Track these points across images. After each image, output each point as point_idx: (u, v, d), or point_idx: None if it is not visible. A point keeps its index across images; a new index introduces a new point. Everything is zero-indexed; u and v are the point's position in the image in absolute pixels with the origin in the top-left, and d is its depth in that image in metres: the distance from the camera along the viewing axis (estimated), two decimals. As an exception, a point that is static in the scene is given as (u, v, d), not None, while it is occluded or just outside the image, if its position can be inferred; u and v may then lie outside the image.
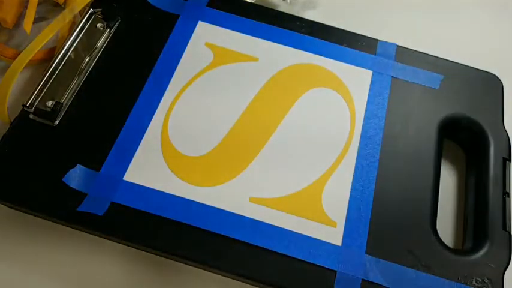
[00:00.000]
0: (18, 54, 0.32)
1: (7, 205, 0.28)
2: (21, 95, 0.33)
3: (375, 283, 0.26)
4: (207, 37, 0.32)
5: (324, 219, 0.27)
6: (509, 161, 0.30)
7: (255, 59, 0.32)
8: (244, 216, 0.27)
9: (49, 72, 0.30)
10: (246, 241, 0.26)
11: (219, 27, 0.33)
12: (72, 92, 0.30)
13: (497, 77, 0.33)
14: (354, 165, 0.29)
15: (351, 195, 0.28)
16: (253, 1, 0.36)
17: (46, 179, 0.27)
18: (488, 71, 0.33)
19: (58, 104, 0.29)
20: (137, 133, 0.29)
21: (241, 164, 0.28)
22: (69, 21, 0.34)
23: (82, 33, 0.32)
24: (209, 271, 0.27)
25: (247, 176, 0.28)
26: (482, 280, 0.26)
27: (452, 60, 0.33)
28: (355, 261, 0.26)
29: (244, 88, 0.31)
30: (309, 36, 0.33)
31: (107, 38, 0.32)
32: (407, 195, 0.28)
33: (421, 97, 0.31)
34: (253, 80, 0.31)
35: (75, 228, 0.28)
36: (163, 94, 0.30)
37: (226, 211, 0.27)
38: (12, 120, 0.29)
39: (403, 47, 0.33)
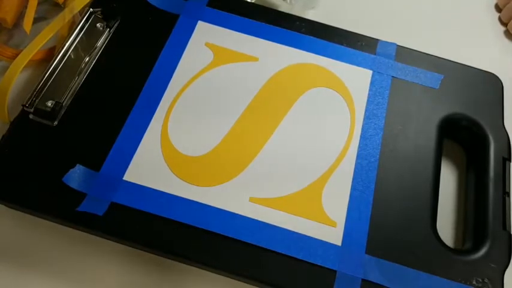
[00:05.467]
0: (18, 54, 0.32)
1: (7, 205, 0.28)
2: (21, 95, 0.33)
3: (375, 283, 0.26)
4: (207, 37, 0.32)
5: (324, 219, 0.27)
6: (509, 160, 0.30)
7: (255, 59, 0.32)
8: (244, 216, 0.27)
9: (49, 72, 0.30)
10: (246, 241, 0.26)
11: (219, 27, 0.33)
12: (72, 92, 0.30)
13: (497, 77, 0.33)
14: (354, 165, 0.29)
15: (351, 195, 0.28)
16: (253, 1, 0.36)
17: (46, 179, 0.27)
18: (488, 70, 0.33)
19: (58, 104, 0.29)
20: (137, 133, 0.29)
21: (241, 163, 0.28)
22: (69, 21, 0.34)
23: (82, 33, 0.32)
24: (209, 271, 0.27)
25: (247, 176, 0.28)
26: (482, 280, 0.26)
27: (452, 60, 0.33)
28: (355, 261, 0.26)
29: (245, 88, 0.31)
30: (309, 36, 0.33)
31: (106, 38, 0.32)
32: (407, 195, 0.28)
33: (421, 97, 0.31)
34: (253, 79, 0.31)
35: (75, 228, 0.28)
36: (163, 94, 0.30)
37: (226, 211, 0.27)
38: (12, 120, 0.29)
39: (403, 47, 0.33)
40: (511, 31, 0.38)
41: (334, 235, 0.27)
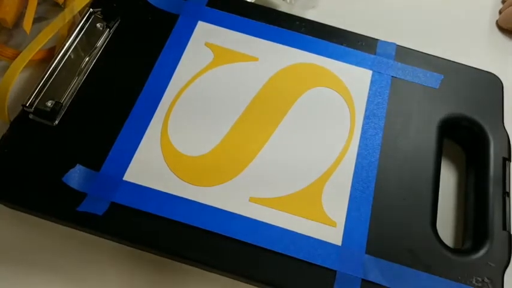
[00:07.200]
0: (18, 54, 0.32)
1: (7, 205, 0.28)
2: (21, 94, 0.33)
3: (375, 283, 0.26)
4: (206, 37, 0.32)
5: (324, 219, 0.27)
6: (509, 160, 0.30)
7: (255, 59, 0.32)
8: (244, 216, 0.27)
9: (49, 72, 0.30)
10: (246, 241, 0.26)
11: (219, 27, 0.33)
12: (72, 91, 0.30)
13: (497, 77, 0.33)
14: (353, 165, 0.29)
15: (351, 195, 0.28)
16: (253, 1, 0.36)
17: (46, 179, 0.27)
18: (488, 70, 0.33)
19: (58, 104, 0.29)
20: (137, 133, 0.29)
21: (241, 163, 0.28)
22: (69, 21, 0.34)
23: (82, 33, 0.32)
24: (209, 271, 0.27)
25: (247, 175, 0.28)
26: (482, 280, 0.26)
27: (452, 60, 0.33)
28: (355, 261, 0.26)
29: (245, 88, 0.31)
30: (309, 36, 0.33)
31: (106, 38, 0.32)
32: (407, 194, 0.28)
33: (421, 97, 0.31)
34: (253, 79, 0.31)
35: (75, 228, 0.28)
36: (163, 94, 0.30)
37: (226, 211, 0.27)
38: (12, 120, 0.29)
39: (403, 47, 0.33)
40: (500, 23, 0.38)
41: (334, 235, 0.27)
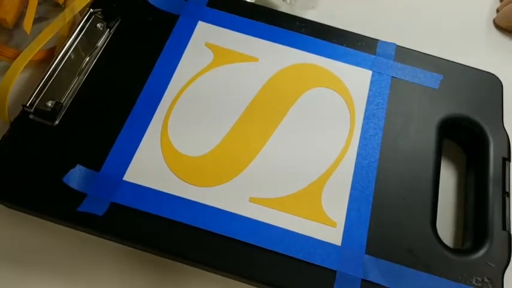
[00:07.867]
0: (19, 55, 0.32)
1: (7, 205, 0.28)
2: (21, 95, 0.33)
3: (375, 283, 0.26)
4: (207, 37, 0.32)
5: (324, 219, 0.27)
6: (509, 161, 0.30)
7: (255, 59, 0.32)
8: (244, 216, 0.27)
9: (49, 72, 0.30)
10: (246, 241, 0.26)
11: (219, 27, 0.33)
12: (72, 92, 0.30)
13: (497, 77, 0.33)
14: (353, 165, 0.29)
15: (350, 195, 0.28)
16: (253, 1, 0.36)
17: (46, 179, 0.27)
18: (488, 71, 0.33)
19: (58, 104, 0.29)
20: (137, 133, 0.29)
21: (241, 164, 0.28)
22: (69, 21, 0.34)
23: (82, 33, 0.32)
24: (209, 271, 0.27)
25: (247, 176, 0.28)
26: (482, 280, 0.26)
27: (452, 60, 0.33)
28: (355, 261, 0.26)
29: (244, 88, 0.31)
30: (309, 36, 0.33)
31: (107, 38, 0.32)
32: (407, 195, 0.28)
33: (420, 97, 0.31)
34: (253, 79, 0.31)
35: (75, 229, 0.28)
36: (163, 94, 0.30)
37: (226, 211, 0.27)
38: (12, 121, 0.29)
39: (403, 47, 0.33)
40: (498, 22, 0.38)
41: (334, 235, 0.27)
